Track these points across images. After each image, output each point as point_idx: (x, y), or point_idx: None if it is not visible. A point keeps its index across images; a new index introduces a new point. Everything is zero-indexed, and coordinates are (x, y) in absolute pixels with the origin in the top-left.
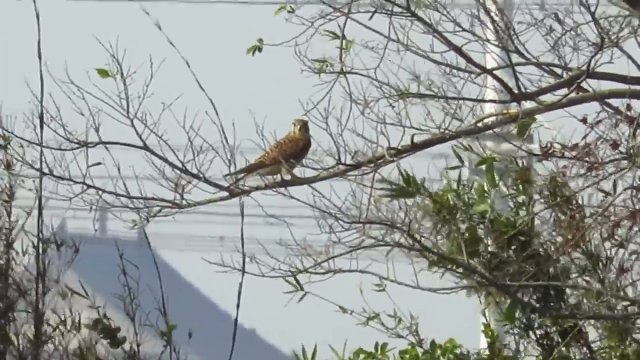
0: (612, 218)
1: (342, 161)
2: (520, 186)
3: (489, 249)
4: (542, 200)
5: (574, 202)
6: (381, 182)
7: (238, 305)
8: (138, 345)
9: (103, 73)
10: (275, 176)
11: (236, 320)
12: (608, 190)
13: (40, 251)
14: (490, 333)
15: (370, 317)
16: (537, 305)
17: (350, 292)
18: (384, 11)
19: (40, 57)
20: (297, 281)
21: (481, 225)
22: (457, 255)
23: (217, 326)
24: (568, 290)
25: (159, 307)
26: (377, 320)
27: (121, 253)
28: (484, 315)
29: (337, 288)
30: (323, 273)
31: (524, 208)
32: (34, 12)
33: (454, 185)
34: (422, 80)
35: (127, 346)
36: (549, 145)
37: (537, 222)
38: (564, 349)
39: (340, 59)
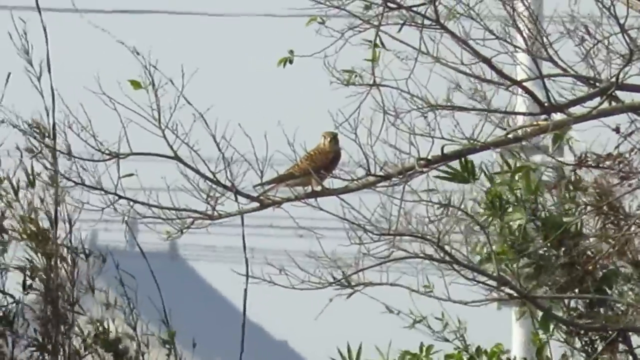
0: None
1: (372, 172)
2: (567, 194)
3: (538, 249)
4: (589, 207)
5: (620, 209)
6: (413, 195)
7: (244, 310)
8: (143, 355)
9: (135, 84)
10: (305, 187)
11: (243, 325)
12: None
13: (70, 261)
14: (537, 339)
15: (417, 319)
16: (578, 313)
17: (385, 298)
18: (413, 23)
19: (49, 71)
20: (347, 279)
21: (531, 225)
22: (506, 256)
23: (247, 336)
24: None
25: (161, 318)
26: (424, 322)
27: (117, 264)
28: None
29: (368, 301)
30: (353, 286)
31: (568, 214)
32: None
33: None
34: (452, 91)
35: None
36: (583, 155)
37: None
38: (605, 356)
39: (372, 70)
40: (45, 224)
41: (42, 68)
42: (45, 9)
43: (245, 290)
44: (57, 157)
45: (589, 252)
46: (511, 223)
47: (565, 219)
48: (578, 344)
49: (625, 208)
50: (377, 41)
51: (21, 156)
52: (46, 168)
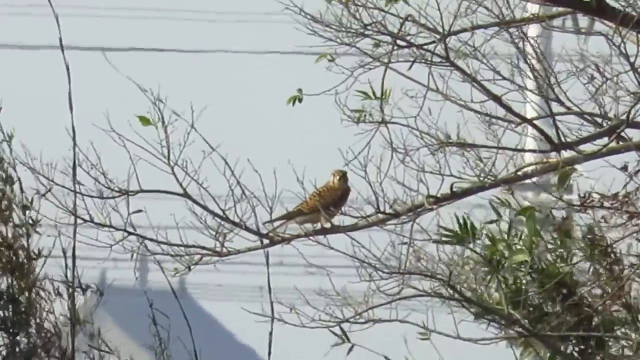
0: None
1: (381, 210)
2: (558, 239)
3: (534, 300)
4: (580, 253)
5: (611, 253)
6: (437, 228)
7: (269, 354)
8: None
9: (144, 121)
10: (314, 225)
11: None
12: None
13: (67, 296)
14: None
15: None
16: (579, 357)
17: (390, 343)
18: (423, 61)
19: (71, 109)
20: (344, 332)
21: (527, 276)
22: (502, 306)
23: None
24: (610, 342)
25: (191, 358)
26: None
27: (151, 302)
28: None
29: (378, 339)
30: (363, 322)
31: (562, 261)
32: (73, 63)
33: (502, 236)
34: (462, 130)
35: None
36: (587, 195)
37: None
38: None
39: (381, 108)
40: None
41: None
42: (53, 47)
43: (271, 333)
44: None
45: (582, 301)
46: (508, 276)
47: (560, 269)
48: None
49: (617, 252)
50: (384, 81)
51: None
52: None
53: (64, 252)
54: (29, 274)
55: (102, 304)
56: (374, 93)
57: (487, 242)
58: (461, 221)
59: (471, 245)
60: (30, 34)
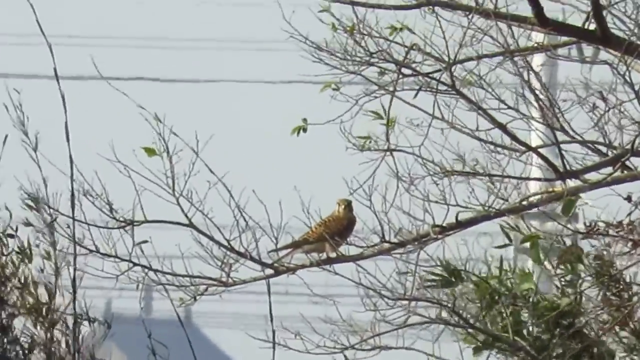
0: None
1: (387, 239)
2: (569, 265)
3: (533, 332)
4: (589, 279)
5: (621, 280)
6: (427, 267)
7: None
8: None
9: (150, 151)
10: (320, 254)
11: None
12: None
13: (71, 327)
14: None
15: None
16: None
17: None
18: (428, 89)
19: (68, 140)
20: (363, 343)
21: (525, 309)
22: (505, 334)
23: None
24: None
25: None
26: None
27: (149, 333)
28: None
29: (390, 358)
30: (369, 349)
31: (570, 288)
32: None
33: (496, 271)
34: (467, 158)
35: None
36: (592, 223)
37: (584, 301)
38: None
39: (387, 137)
40: (44, 296)
41: (38, 138)
42: (50, 78)
43: None
44: (53, 225)
45: (585, 330)
46: (503, 310)
47: (559, 300)
48: None
49: (626, 279)
50: (389, 110)
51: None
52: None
53: (74, 285)
54: (51, 311)
55: (110, 336)
56: (381, 117)
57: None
58: (445, 264)
59: (459, 287)
60: (34, 63)
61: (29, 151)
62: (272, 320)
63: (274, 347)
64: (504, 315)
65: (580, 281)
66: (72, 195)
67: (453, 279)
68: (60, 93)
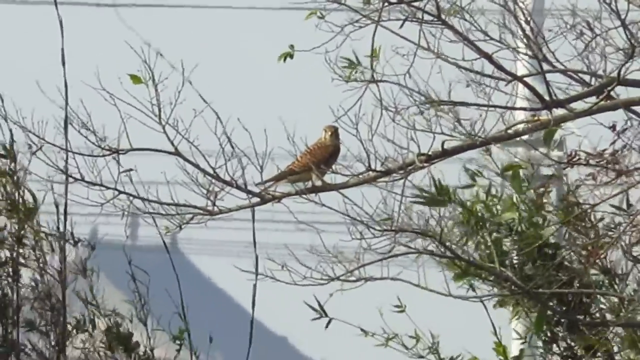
0: (633, 234)
1: (373, 167)
2: (534, 207)
3: (516, 261)
4: (555, 218)
5: (586, 219)
6: (413, 189)
7: (253, 305)
8: (152, 350)
9: (135, 79)
10: (305, 182)
11: (252, 322)
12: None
13: (59, 249)
14: (501, 350)
15: (389, 337)
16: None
17: (377, 307)
18: (414, 19)
19: (64, 64)
20: (322, 307)
21: (508, 237)
22: (491, 264)
23: (247, 331)
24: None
25: (178, 312)
26: (397, 340)
27: (129, 259)
28: (495, 329)
29: (366, 299)
30: (354, 281)
31: (537, 226)
32: (59, 18)
33: (483, 196)
34: (453, 87)
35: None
36: (574, 153)
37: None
38: None
39: (371, 66)
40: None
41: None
42: (44, 3)
43: (255, 285)
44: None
45: (566, 263)
46: (487, 238)
47: (542, 231)
48: (558, 351)
49: (592, 218)
50: (374, 39)
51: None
52: (47, 164)
53: (57, 207)
54: (30, 219)
55: (93, 257)
56: (358, 60)
57: (464, 205)
58: (437, 184)
59: (447, 207)
60: None
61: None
62: (255, 248)
63: (256, 275)
64: (488, 242)
65: (547, 221)
66: (66, 121)
67: (442, 199)
68: (59, 18)
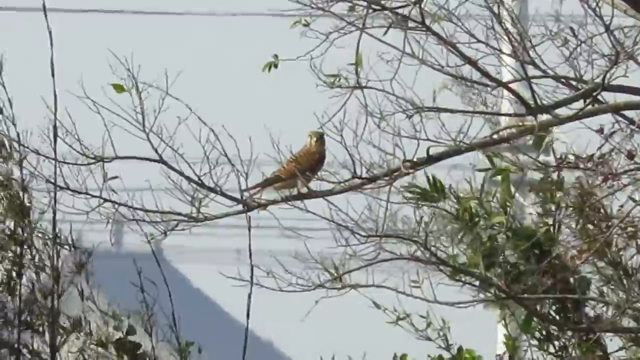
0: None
1: (358, 174)
2: (548, 194)
3: (509, 259)
4: (568, 208)
5: (600, 209)
6: (407, 187)
7: (248, 316)
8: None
9: (118, 88)
10: (291, 190)
11: (247, 330)
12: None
13: (54, 254)
14: (510, 344)
15: (400, 317)
16: (556, 317)
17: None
18: (398, 26)
19: (53, 74)
20: (333, 281)
21: (501, 235)
22: (478, 265)
23: (234, 339)
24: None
25: (169, 323)
26: (408, 321)
27: (139, 270)
28: (506, 327)
29: (360, 294)
30: (339, 288)
31: (548, 217)
32: (48, 28)
33: (477, 193)
34: (439, 93)
35: None
36: (563, 156)
37: (562, 231)
38: None
39: (356, 72)
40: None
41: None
42: (25, 9)
43: (250, 295)
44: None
45: (557, 262)
46: (482, 234)
47: (538, 227)
48: (552, 349)
49: (606, 209)
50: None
51: None
52: (31, 173)
53: (54, 212)
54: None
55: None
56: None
57: (459, 198)
58: (431, 180)
59: (441, 204)
60: None
61: None
62: (250, 256)
63: (251, 284)
64: (483, 238)
65: (558, 210)
66: (55, 131)
67: (435, 194)
68: (48, 28)
